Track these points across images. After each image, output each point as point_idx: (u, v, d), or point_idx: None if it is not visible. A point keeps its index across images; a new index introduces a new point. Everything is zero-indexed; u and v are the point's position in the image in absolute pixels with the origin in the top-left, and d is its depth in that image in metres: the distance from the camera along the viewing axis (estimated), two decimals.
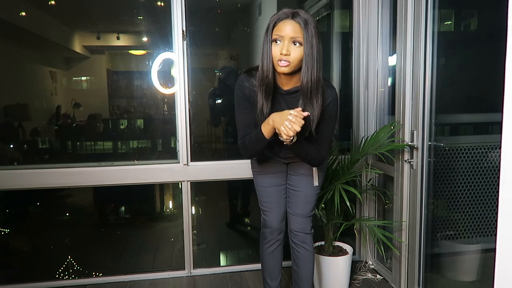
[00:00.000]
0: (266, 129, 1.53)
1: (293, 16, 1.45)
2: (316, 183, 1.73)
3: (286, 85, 1.57)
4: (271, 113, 1.55)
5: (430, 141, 2.08)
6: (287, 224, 1.87)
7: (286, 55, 1.44)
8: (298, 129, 1.43)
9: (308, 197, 1.80)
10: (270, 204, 1.83)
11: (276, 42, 1.46)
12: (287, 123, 1.43)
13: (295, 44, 1.45)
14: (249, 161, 1.88)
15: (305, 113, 1.46)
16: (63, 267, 2.61)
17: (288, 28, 1.44)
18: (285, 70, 1.47)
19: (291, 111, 1.45)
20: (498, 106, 1.02)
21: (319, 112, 1.53)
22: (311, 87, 1.48)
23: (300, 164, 1.77)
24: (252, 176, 1.88)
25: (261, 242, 1.91)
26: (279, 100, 1.60)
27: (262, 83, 1.52)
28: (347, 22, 2.85)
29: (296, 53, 1.45)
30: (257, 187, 1.85)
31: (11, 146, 2.81)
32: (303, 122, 1.44)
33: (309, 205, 1.81)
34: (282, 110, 1.58)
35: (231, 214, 3.17)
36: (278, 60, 1.46)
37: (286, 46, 1.44)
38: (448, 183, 2.13)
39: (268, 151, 1.78)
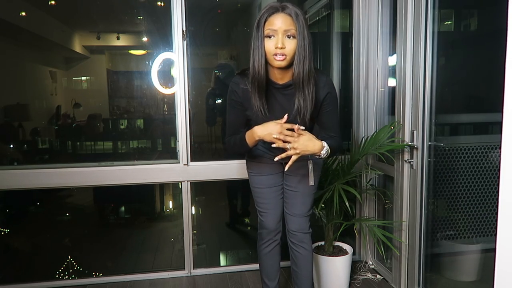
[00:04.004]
0: (250, 141, 1.59)
1: (283, 9, 1.46)
2: (311, 183, 1.73)
3: (281, 79, 1.57)
4: (268, 109, 1.58)
5: (430, 141, 2.08)
6: (285, 224, 1.87)
7: (282, 48, 1.44)
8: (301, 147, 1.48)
9: (306, 197, 1.80)
10: (267, 205, 1.83)
11: (269, 37, 1.46)
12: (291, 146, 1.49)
13: (289, 37, 1.46)
14: None
15: (295, 126, 1.50)
16: (63, 267, 2.61)
17: (281, 21, 1.44)
18: (282, 64, 1.47)
19: (276, 128, 1.49)
20: (498, 106, 1.02)
21: (312, 102, 1.54)
22: (303, 78, 1.49)
23: (296, 165, 1.77)
24: None
25: (258, 243, 1.91)
26: (275, 95, 1.60)
27: (254, 80, 1.52)
28: (347, 22, 2.85)
29: (290, 45, 1.46)
30: (253, 188, 1.85)
31: (11, 146, 2.81)
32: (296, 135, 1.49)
33: (307, 205, 1.81)
34: (279, 104, 1.60)
35: (231, 214, 3.17)
36: (273, 55, 1.46)
37: (281, 39, 1.44)
38: (448, 183, 2.13)
39: (265, 152, 1.78)
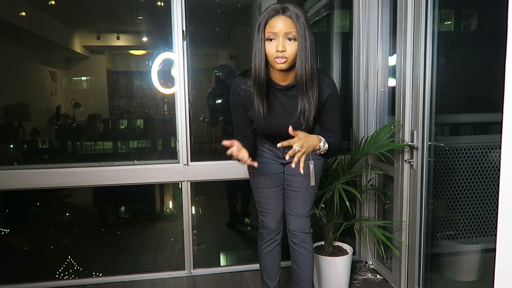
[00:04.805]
0: None
1: (284, 11, 1.45)
2: (313, 183, 1.73)
3: (283, 81, 1.57)
4: (270, 110, 1.58)
5: (430, 141, 2.08)
6: (286, 224, 1.87)
7: (282, 51, 1.44)
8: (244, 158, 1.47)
9: (307, 197, 1.79)
10: (268, 205, 1.83)
11: (270, 40, 1.46)
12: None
13: (290, 40, 1.45)
14: None
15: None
16: (63, 267, 2.61)
17: (281, 24, 1.44)
18: (283, 66, 1.47)
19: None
20: (498, 106, 1.02)
21: (315, 103, 1.54)
22: (306, 80, 1.49)
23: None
24: None
25: (259, 243, 1.91)
26: (277, 96, 1.60)
27: (256, 82, 1.52)
28: (347, 22, 2.85)
29: (291, 48, 1.45)
30: (254, 188, 1.85)
31: (11, 146, 2.81)
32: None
33: (308, 205, 1.81)
34: (281, 106, 1.60)
35: (231, 214, 3.17)
36: (275, 58, 1.46)
37: (281, 42, 1.44)
38: (448, 183, 2.13)
39: (266, 152, 1.78)
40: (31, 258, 2.80)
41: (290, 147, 1.47)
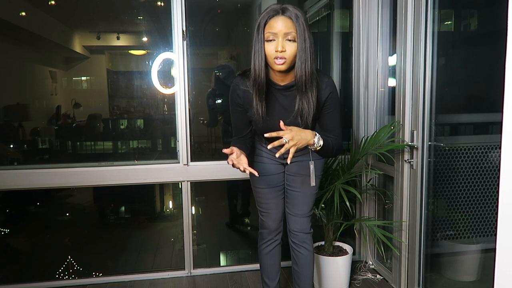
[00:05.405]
0: None
1: (283, 11, 1.45)
2: (313, 183, 1.73)
3: (282, 81, 1.57)
4: (269, 110, 1.58)
5: (430, 141, 2.08)
6: (286, 224, 1.87)
7: (282, 51, 1.44)
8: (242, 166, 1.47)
9: (307, 197, 1.79)
10: (268, 205, 1.83)
11: (270, 40, 1.45)
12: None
13: (289, 41, 1.45)
14: None
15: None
16: (63, 267, 2.61)
17: (281, 24, 1.43)
18: (282, 68, 1.47)
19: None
20: (498, 106, 1.02)
21: (314, 104, 1.54)
22: (305, 81, 1.49)
23: (297, 165, 1.77)
24: None
25: (259, 242, 1.92)
26: (276, 96, 1.60)
27: (255, 83, 1.52)
28: (347, 22, 2.85)
29: (291, 49, 1.45)
30: (254, 188, 1.84)
31: (11, 146, 2.81)
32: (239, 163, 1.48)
33: (308, 205, 1.81)
34: (280, 105, 1.60)
35: (231, 214, 3.17)
36: (274, 58, 1.45)
37: (281, 42, 1.44)
38: (448, 183, 2.13)
39: (266, 152, 1.78)
40: (31, 258, 2.80)
41: (280, 143, 1.48)
